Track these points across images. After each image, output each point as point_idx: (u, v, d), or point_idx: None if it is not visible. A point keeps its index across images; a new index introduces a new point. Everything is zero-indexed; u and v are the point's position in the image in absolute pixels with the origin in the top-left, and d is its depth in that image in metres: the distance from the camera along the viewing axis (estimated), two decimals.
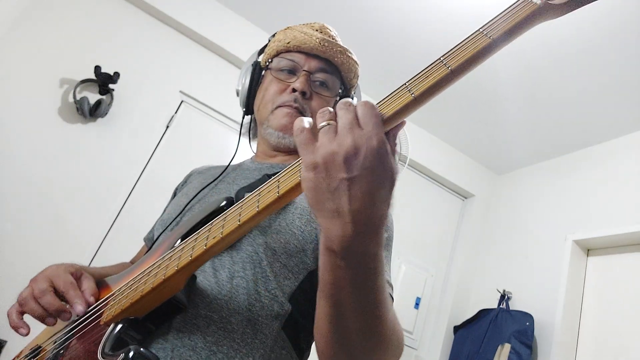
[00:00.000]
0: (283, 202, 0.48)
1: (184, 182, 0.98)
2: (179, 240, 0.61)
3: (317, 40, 0.82)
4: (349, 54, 0.86)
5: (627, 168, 2.27)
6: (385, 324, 0.49)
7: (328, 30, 0.87)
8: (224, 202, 0.63)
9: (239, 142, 0.93)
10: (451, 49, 0.43)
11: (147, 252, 0.87)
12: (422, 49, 2.34)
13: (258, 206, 0.48)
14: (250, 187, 0.69)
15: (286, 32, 0.86)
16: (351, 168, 0.38)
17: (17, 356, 0.75)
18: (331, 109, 0.42)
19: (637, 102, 2.16)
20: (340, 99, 0.84)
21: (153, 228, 0.93)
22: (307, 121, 0.43)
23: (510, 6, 0.45)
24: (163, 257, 0.58)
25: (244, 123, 0.94)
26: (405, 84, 0.44)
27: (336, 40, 0.86)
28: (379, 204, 0.40)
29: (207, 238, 0.52)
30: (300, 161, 0.48)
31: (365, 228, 0.40)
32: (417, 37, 2.28)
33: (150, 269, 0.58)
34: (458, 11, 2.07)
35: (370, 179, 0.39)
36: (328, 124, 0.41)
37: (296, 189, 0.46)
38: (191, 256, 0.52)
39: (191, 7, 2.44)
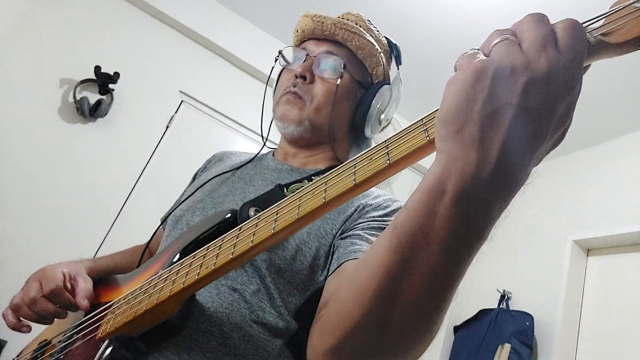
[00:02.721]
0: (279, 238, 0.47)
1: (204, 167, 0.95)
2: (178, 255, 0.60)
3: (310, 19, 0.79)
4: (345, 26, 0.78)
5: (627, 168, 2.27)
6: (446, 309, 0.38)
7: (352, 15, 0.83)
8: (228, 215, 0.62)
9: (266, 140, 0.85)
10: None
11: (142, 250, 0.86)
12: (422, 53, 2.33)
13: (252, 241, 0.47)
14: (256, 201, 0.65)
15: (299, 21, 0.83)
16: (533, 95, 0.28)
17: (24, 350, 0.75)
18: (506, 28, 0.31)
19: (637, 102, 2.16)
20: (345, 80, 0.78)
21: (170, 210, 0.92)
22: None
23: None
24: (160, 276, 0.57)
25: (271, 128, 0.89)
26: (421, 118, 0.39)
27: (354, 23, 0.80)
28: (537, 157, 0.31)
29: (200, 267, 0.51)
30: (301, 192, 0.46)
31: (507, 178, 0.30)
32: (418, 40, 2.28)
33: (147, 287, 0.57)
34: (460, 12, 2.07)
35: (547, 120, 0.29)
36: (508, 38, 0.30)
37: (292, 226, 0.45)
38: (183, 284, 0.51)
39: (191, 7, 2.43)
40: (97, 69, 2.16)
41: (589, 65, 0.33)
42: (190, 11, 2.43)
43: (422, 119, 0.38)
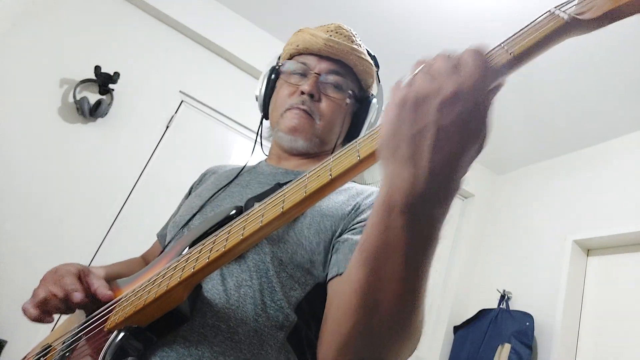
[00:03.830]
0: (287, 218, 0.48)
1: (199, 181, 0.98)
2: (187, 249, 0.61)
3: (323, 41, 0.80)
4: (359, 54, 0.83)
5: (627, 168, 2.27)
6: (421, 307, 0.44)
7: (344, 30, 0.84)
8: (233, 211, 0.63)
9: (255, 145, 0.91)
10: None
11: (159, 253, 0.88)
12: (422, 52, 2.34)
13: (262, 221, 0.48)
14: (260, 197, 0.68)
15: (297, 34, 0.85)
16: (446, 114, 0.34)
17: (28, 354, 0.75)
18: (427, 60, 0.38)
19: (636, 102, 2.16)
20: (351, 100, 0.83)
21: (166, 225, 0.93)
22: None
23: (534, 20, 0.42)
24: (169, 266, 0.58)
25: (263, 127, 0.92)
26: None
27: (349, 41, 0.83)
28: (461, 166, 0.35)
29: (211, 251, 0.52)
30: (306, 175, 0.48)
31: (439, 186, 0.35)
32: (418, 38, 2.28)
33: (155, 278, 0.58)
34: (458, 11, 2.07)
35: (462, 133, 0.34)
36: (423, 70, 0.37)
37: (300, 204, 0.46)
38: (194, 268, 0.52)
39: (191, 7, 2.44)
40: (97, 69, 2.16)
41: (499, 85, 0.38)
42: (190, 11, 2.43)
43: None
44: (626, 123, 2.31)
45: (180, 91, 2.42)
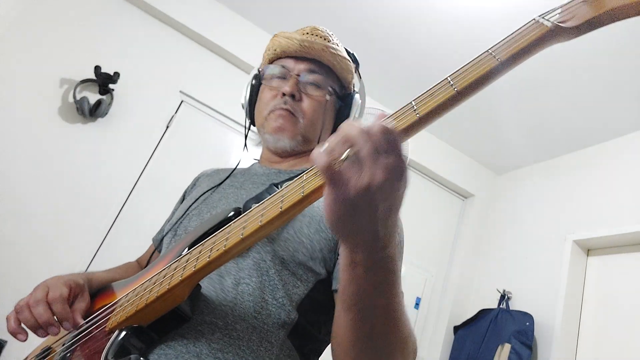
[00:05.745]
0: (286, 217, 0.48)
1: (193, 185, 0.98)
2: (186, 249, 0.62)
3: (297, 42, 0.82)
4: (334, 50, 0.84)
5: (627, 168, 2.27)
6: (406, 324, 0.52)
7: (319, 31, 0.85)
8: (232, 213, 0.64)
9: (244, 149, 0.93)
10: (458, 69, 0.43)
11: (152, 255, 0.89)
12: (420, 52, 2.34)
13: (261, 221, 0.49)
14: (257, 198, 0.69)
15: (273, 40, 0.87)
16: (385, 193, 0.39)
17: (28, 356, 0.75)
18: (342, 138, 0.40)
19: (637, 102, 2.16)
20: (331, 97, 0.85)
21: (162, 229, 0.94)
22: (323, 149, 0.41)
23: (520, 28, 0.44)
24: (169, 266, 0.58)
25: (249, 134, 0.94)
26: (411, 102, 0.44)
27: (324, 41, 0.84)
28: (398, 214, 0.43)
29: (211, 250, 0.53)
30: (306, 175, 0.48)
31: (389, 238, 0.43)
32: (416, 39, 2.28)
33: (156, 278, 0.58)
34: (456, 13, 2.07)
35: (399, 199, 0.41)
36: (347, 156, 0.40)
37: (299, 204, 0.47)
38: (195, 267, 0.53)
39: (191, 7, 2.44)
40: (97, 69, 2.16)
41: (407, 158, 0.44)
42: (190, 11, 2.43)
43: (411, 101, 0.45)
44: (626, 123, 2.31)
45: (180, 91, 2.42)
